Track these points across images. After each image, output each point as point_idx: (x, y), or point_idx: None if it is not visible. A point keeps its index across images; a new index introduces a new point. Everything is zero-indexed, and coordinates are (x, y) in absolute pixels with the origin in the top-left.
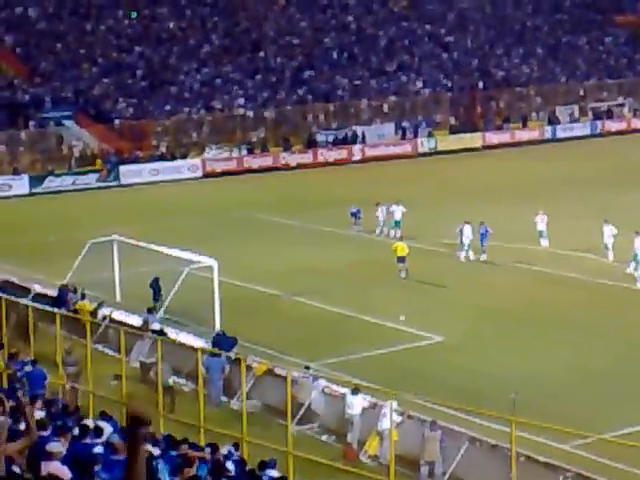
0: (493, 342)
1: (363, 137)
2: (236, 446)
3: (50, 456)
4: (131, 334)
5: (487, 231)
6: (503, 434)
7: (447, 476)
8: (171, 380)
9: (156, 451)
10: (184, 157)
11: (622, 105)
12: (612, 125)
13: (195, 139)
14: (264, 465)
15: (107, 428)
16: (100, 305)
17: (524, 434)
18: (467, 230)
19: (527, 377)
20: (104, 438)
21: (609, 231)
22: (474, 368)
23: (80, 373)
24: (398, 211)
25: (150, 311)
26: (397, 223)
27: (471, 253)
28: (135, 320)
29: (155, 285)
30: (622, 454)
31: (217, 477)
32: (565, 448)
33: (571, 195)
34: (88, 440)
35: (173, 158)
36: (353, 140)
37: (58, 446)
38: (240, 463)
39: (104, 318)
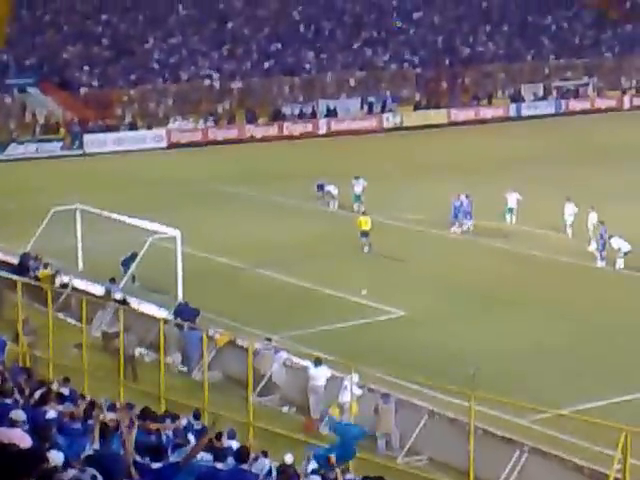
0: (454, 317)
1: (329, 111)
2: (196, 416)
3: (13, 424)
4: (93, 303)
5: (462, 203)
6: (462, 408)
7: (406, 449)
8: (137, 351)
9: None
10: (149, 127)
11: (587, 85)
12: (576, 104)
13: (160, 109)
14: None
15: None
16: (57, 273)
17: (483, 408)
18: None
19: (487, 352)
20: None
21: (570, 209)
22: (435, 343)
23: (37, 342)
24: (359, 185)
25: (113, 280)
26: (358, 197)
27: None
28: (97, 289)
29: (129, 261)
30: (579, 429)
31: (178, 447)
32: (523, 423)
33: (533, 173)
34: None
35: (137, 128)
36: (323, 114)
37: (21, 414)
38: (200, 433)
39: (63, 286)
